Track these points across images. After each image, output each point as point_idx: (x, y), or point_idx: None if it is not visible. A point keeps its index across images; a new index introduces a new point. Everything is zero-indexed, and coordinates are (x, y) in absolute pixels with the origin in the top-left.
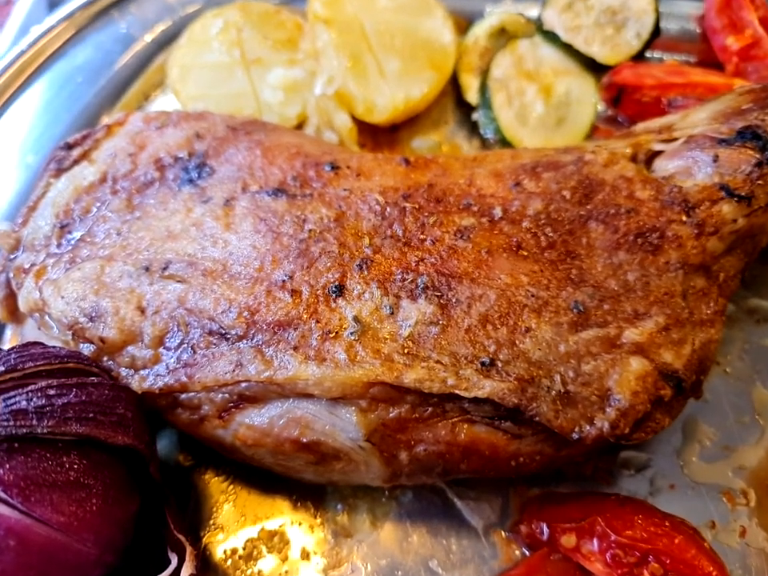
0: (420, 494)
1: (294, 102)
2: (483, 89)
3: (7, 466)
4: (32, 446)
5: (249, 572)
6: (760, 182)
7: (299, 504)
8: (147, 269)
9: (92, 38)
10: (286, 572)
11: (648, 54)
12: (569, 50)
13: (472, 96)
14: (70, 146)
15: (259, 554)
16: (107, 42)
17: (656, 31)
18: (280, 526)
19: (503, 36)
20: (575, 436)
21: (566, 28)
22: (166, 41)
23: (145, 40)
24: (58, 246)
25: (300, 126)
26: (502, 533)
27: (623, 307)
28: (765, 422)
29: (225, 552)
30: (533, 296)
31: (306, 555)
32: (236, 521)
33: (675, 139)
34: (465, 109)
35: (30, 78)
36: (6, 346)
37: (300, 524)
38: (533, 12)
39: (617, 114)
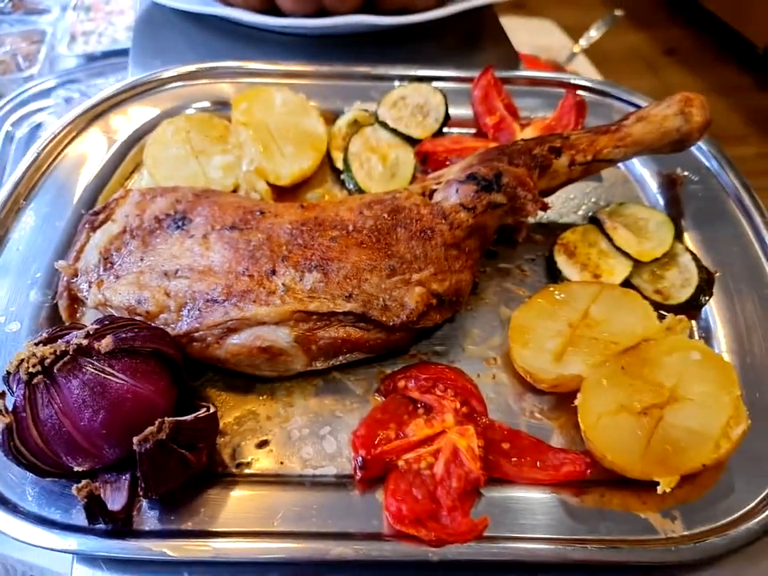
0: (328, 382)
1: (230, 176)
2: (345, 160)
3: (122, 362)
4: (132, 354)
5: (239, 431)
6: (478, 200)
7: (262, 395)
8: (165, 274)
9: (84, 140)
10: (259, 428)
11: (446, 130)
12: (396, 132)
13: (340, 164)
14: (96, 213)
15: (243, 422)
16: (93, 143)
17: (447, 116)
18: (252, 407)
19: (356, 125)
20: (391, 323)
21: (393, 119)
22: (133, 141)
23: (118, 140)
24: (105, 270)
25: (235, 190)
26: (373, 395)
27: (413, 266)
28: (505, 324)
29: (224, 424)
30: (369, 264)
31: (269, 418)
32: (227, 409)
33: (441, 182)
34: (337, 172)
35: (46, 171)
36: None
37: (264, 404)
38: (374, 108)
39: (426, 169)
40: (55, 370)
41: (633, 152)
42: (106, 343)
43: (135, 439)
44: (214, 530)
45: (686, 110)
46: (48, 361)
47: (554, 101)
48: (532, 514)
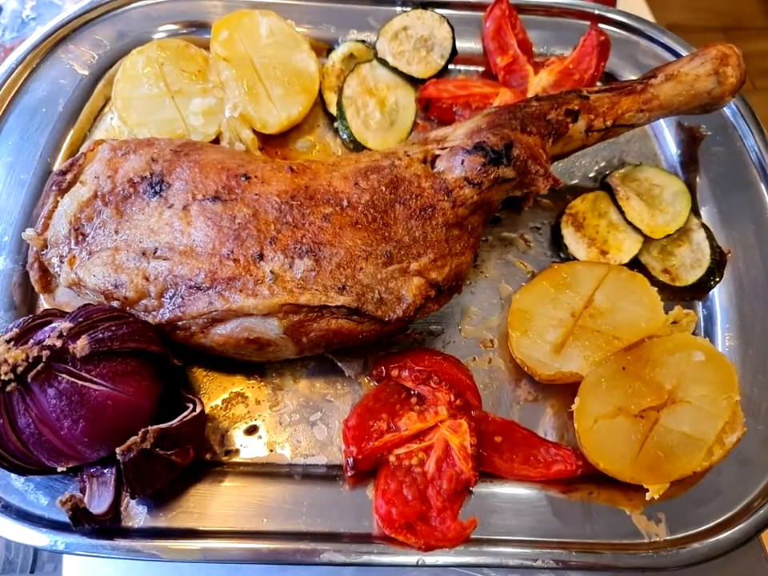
0: (319, 362)
1: (212, 123)
2: (339, 105)
3: (99, 367)
4: (110, 356)
5: (227, 415)
6: (484, 174)
7: (251, 377)
8: (144, 253)
9: (45, 74)
10: (248, 412)
11: (451, 67)
12: (395, 70)
13: (333, 109)
14: (63, 172)
15: (231, 405)
16: (58, 76)
17: (454, 52)
18: (241, 390)
19: (352, 59)
20: (386, 318)
21: (394, 53)
22: (101, 71)
23: (84, 72)
24: (76, 243)
25: (217, 140)
26: (365, 378)
27: (411, 251)
28: (505, 303)
29: (211, 407)
30: (364, 250)
31: (258, 402)
32: (214, 390)
33: (446, 148)
34: (330, 116)
35: (6, 112)
36: (41, 309)
37: (252, 387)
38: (373, 39)
39: (429, 116)
40: (29, 379)
41: (657, 116)
42: (81, 346)
43: (118, 450)
44: (204, 528)
45: (720, 70)
46: (20, 369)
47: (573, 34)
48: (519, 514)
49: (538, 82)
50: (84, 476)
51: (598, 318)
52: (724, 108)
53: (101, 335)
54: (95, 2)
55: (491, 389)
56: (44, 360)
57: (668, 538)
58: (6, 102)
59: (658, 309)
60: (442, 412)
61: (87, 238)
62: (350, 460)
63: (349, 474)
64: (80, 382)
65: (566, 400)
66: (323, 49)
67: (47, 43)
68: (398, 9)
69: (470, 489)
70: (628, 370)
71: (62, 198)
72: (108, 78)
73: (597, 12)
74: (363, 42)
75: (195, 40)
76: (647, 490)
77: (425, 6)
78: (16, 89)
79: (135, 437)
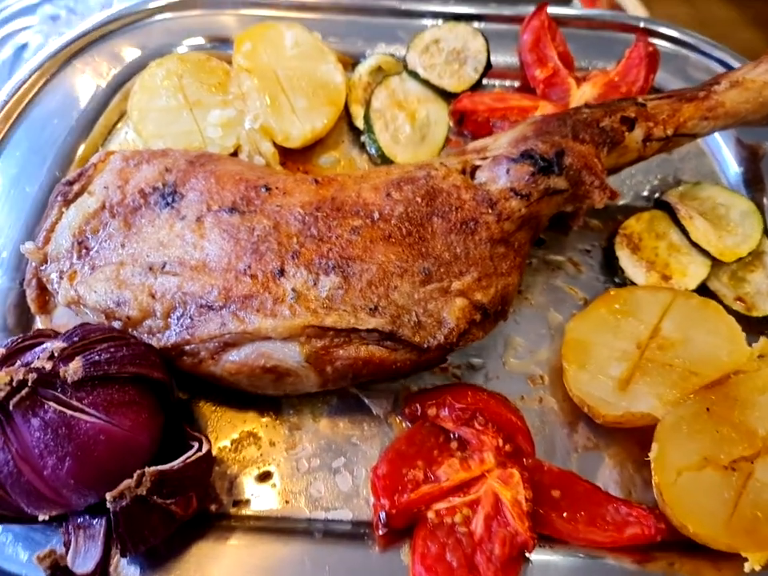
0: (342, 398)
1: (230, 136)
2: (366, 118)
3: (93, 394)
4: (105, 382)
5: (236, 458)
6: (533, 185)
7: (265, 413)
8: (151, 268)
9: (60, 85)
10: (261, 455)
11: (485, 81)
12: (427, 83)
13: (360, 123)
14: (70, 183)
15: (242, 447)
16: (73, 87)
17: (488, 65)
18: (253, 429)
19: (380, 72)
20: (425, 345)
21: (424, 66)
22: (118, 85)
23: (101, 84)
24: (79, 258)
25: (236, 153)
26: (396, 417)
27: (453, 269)
28: (555, 333)
29: (218, 448)
30: (398, 267)
31: (272, 443)
32: (223, 428)
33: (487, 158)
34: (356, 131)
35: (16, 122)
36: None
37: (266, 426)
38: (402, 52)
39: (462, 131)
40: (11, 406)
41: (722, 125)
42: (74, 369)
43: (108, 496)
44: None
45: None
46: (2, 393)
47: (617, 47)
48: None
49: (582, 95)
50: (69, 527)
51: (668, 350)
52: None
53: (97, 357)
54: (116, 14)
55: (543, 433)
56: (30, 384)
57: None
58: (17, 112)
59: (740, 340)
60: (489, 459)
61: (91, 252)
62: (382, 515)
63: (380, 532)
64: (69, 412)
65: (630, 449)
66: (349, 63)
67: (65, 53)
68: (429, 22)
69: (527, 555)
70: (713, 411)
71: (67, 209)
72: (124, 92)
73: (642, 25)
74: (392, 55)
75: (217, 54)
76: (742, 559)
77: (457, 19)
78: (28, 98)
79: (129, 480)
